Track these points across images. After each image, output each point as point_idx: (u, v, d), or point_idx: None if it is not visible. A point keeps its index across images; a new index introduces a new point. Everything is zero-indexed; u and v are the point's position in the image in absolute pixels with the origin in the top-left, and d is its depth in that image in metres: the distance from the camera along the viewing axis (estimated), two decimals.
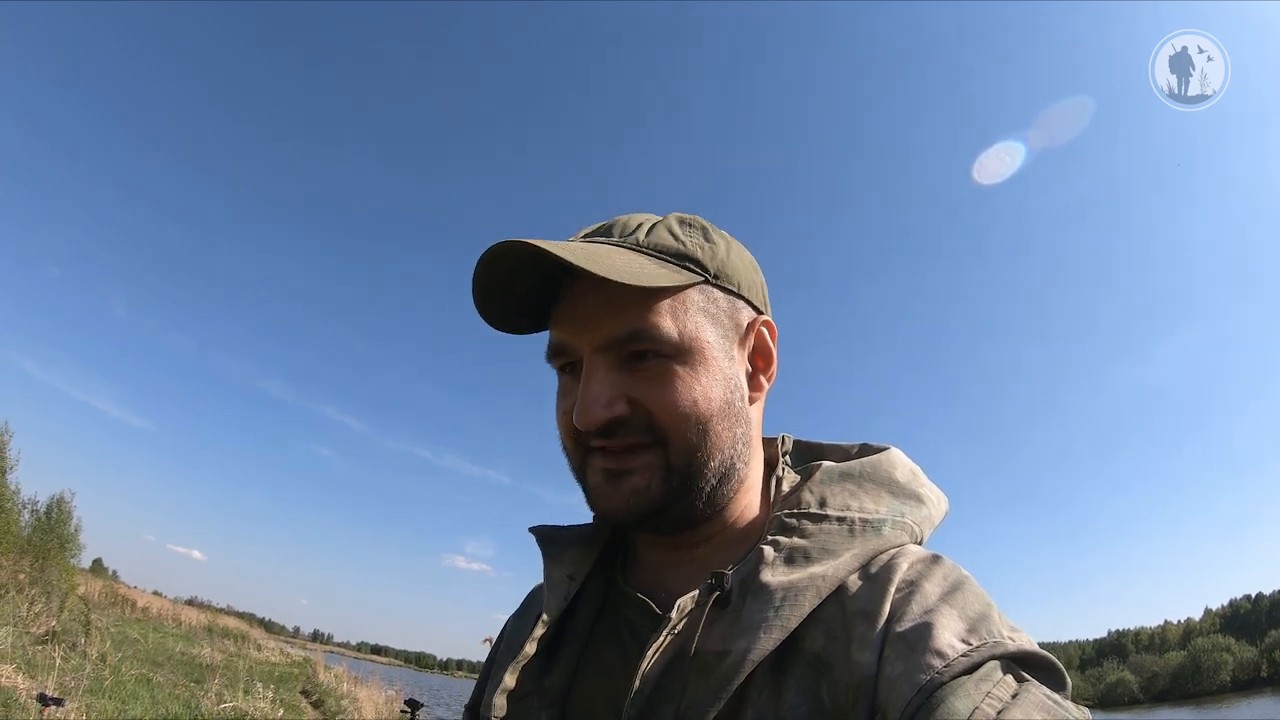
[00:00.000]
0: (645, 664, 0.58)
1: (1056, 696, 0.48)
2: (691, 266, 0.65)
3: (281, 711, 10.26)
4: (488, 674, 0.81)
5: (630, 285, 0.59)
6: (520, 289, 0.65)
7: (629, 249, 0.64)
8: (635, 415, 0.62)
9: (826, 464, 0.70)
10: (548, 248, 0.57)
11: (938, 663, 0.49)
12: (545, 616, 0.67)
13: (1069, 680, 0.52)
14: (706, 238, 0.68)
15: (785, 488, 0.69)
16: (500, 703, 0.64)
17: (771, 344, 0.71)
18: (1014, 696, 0.47)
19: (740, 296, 0.68)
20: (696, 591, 0.60)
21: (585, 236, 0.68)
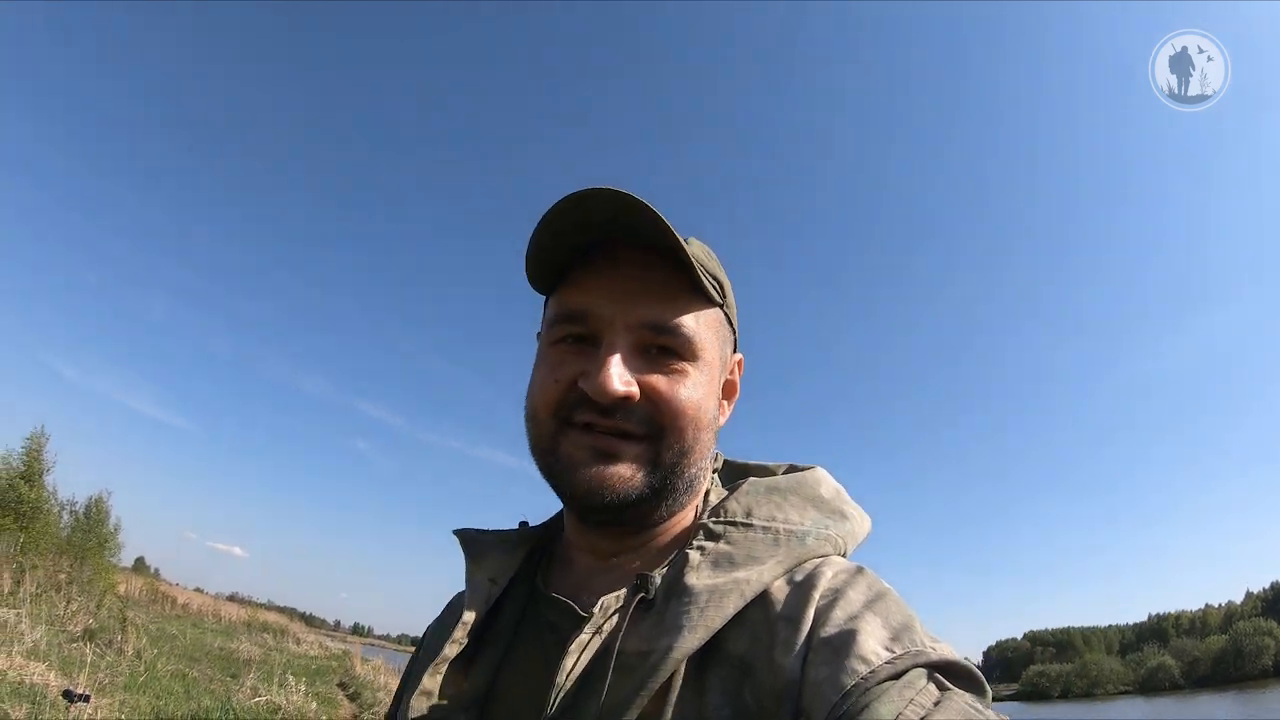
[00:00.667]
0: (567, 662, 0.58)
1: (978, 704, 0.49)
2: (718, 289, 0.68)
3: (315, 704, 10.41)
4: (406, 681, 0.78)
5: (700, 282, 0.63)
6: (578, 243, 0.65)
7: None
8: (641, 403, 0.63)
9: (753, 479, 0.71)
10: (652, 207, 0.59)
11: (862, 669, 0.50)
12: (465, 618, 0.66)
13: (989, 689, 0.53)
14: (721, 268, 0.71)
15: (713, 499, 0.70)
16: (419, 705, 0.62)
17: (738, 381, 0.76)
18: (936, 704, 0.48)
19: (734, 330, 0.73)
20: (622, 591, 0.61)
21: None
